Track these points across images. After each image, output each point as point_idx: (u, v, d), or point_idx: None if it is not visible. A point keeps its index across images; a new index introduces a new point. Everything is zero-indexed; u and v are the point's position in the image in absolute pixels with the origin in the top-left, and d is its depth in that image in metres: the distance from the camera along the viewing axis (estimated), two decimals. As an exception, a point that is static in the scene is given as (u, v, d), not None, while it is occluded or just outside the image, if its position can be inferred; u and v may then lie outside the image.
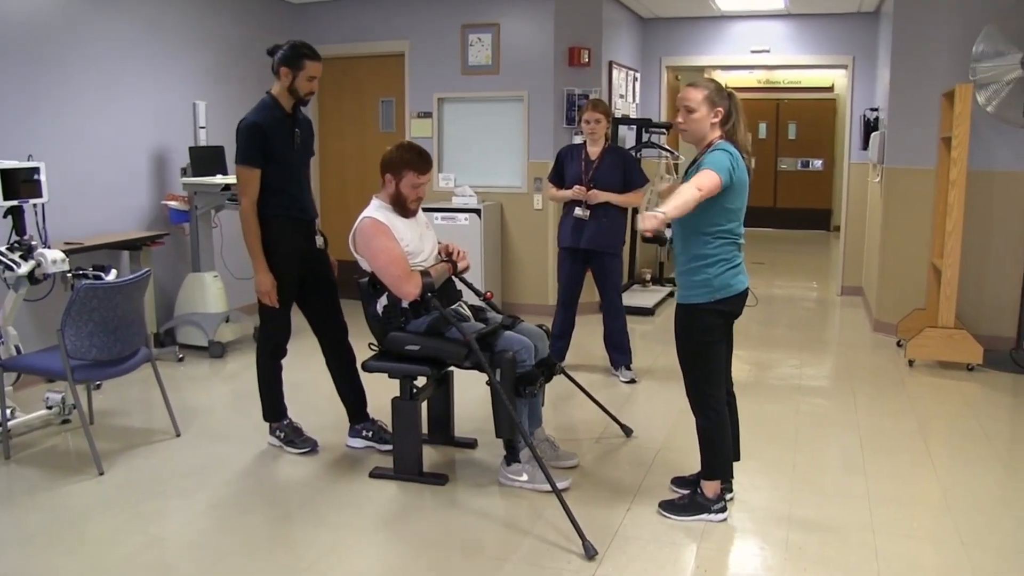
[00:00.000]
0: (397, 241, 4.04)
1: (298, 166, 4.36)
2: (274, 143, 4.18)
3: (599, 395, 4.91)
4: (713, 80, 3.65)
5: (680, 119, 3.59)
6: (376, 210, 4.14)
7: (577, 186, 5.61)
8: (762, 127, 14.77)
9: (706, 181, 3.32)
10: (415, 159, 4.12)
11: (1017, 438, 4.93)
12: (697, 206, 3.35)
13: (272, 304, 4.27)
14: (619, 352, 5.87)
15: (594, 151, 5.67)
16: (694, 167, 3.53)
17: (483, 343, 3.93)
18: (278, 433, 4.51)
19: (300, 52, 4.18)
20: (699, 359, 3.63)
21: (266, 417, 4.54)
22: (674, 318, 3.66)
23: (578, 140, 6.27)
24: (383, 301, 4.12)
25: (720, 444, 3.68)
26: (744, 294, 3.60)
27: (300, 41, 4.26)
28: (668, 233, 3.63)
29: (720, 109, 3.50)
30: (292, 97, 4.23)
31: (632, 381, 5.76)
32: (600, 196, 5.58)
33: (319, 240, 4.47)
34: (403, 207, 4.15)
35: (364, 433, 4.54)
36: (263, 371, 4.51)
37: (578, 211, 5.64)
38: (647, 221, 3.24)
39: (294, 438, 4.48)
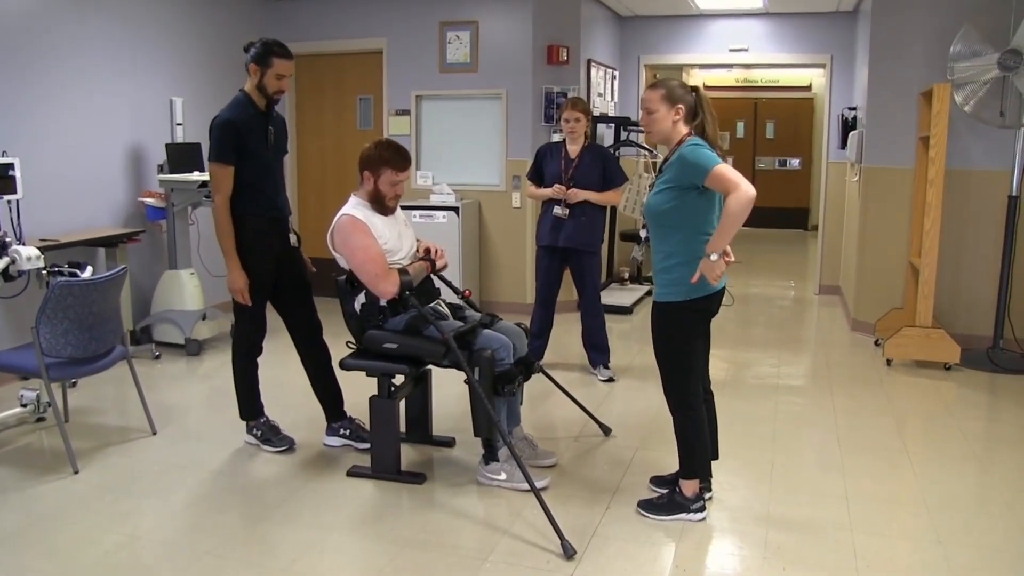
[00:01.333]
0: (375, 239, 4.02)
1: (272, 164, 4.33)
2: (248, 141, 4.15)
3: (577, 394, 4.90)
4: (673, 79, 3.63)
5: (642, 121, 3.60)
6: (354, 207, 4.12)
7: (557, 185, 5.60)
8: (740, 126, 14.83)
9: (734, 177, 3.26)
10: (393, 156, 4.10)
11: (993, 437, 4.96)
12: (672, 204, 3.37)
13: (245, 302, 4.24)
14: (597, 351, 5.86)
15: (573, 149, 5.65)
16: (667, 164, 3.52)
17: (461, 341, 3.92)
18: (255, 431, 4.48)
19: (270, 49, 4.15)
20: (675, 358, 3.63)
21: (243, 416, 4.52)
22: (650, 316, 3.66)
23: (556, 138, 6.26)
24: (361, 299, 4.10)
25: (697, 443, 3.67)
26: (720, 292, 3.59)
27: (273, 39, 4.23)
28: (644, 233, 3.64)
29: (680, 106, 3.48)
30: (261, 95, 4.20)
31: (610, 380, 5.75)
32: (580, 195, 5.57)
33: (292, 238, 4.45)
34: (381, 204, 4.13)
35: (342, 431, 4.52)
36: (239, 370, 4.48)
37: (557, 210, 5.62)
38: (708, 269, 3.34)
39: (271, 436, 4.45)
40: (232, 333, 4.19)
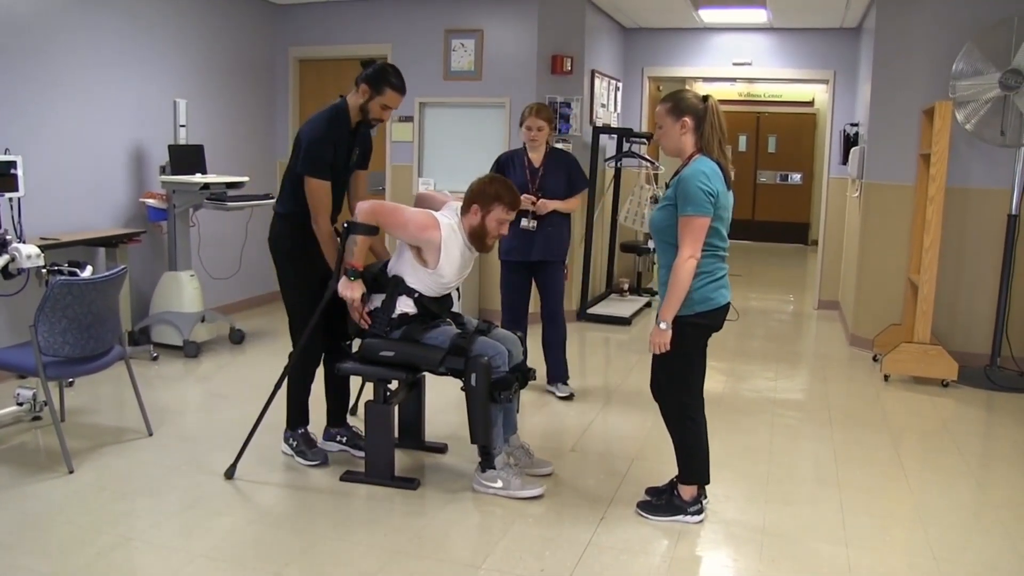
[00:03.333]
0: (415, 237, 3.93)
1: (344, 179, 4.27)
2: (335, 158, 4.09)
3: (537, 413, 4.90)
4: (686, 91, 3.62)
5: (656, 136, 3.62)
6: (448, 216, 4.05)
7: (525, 195, 5.20)
8: (742, 140, 14.85)
9: (694, 241, 3.37)
10: (507, 193, 4.02)
11: (990, 454, 4.96)
12: (675, 221, 3.41)
13: (356, 311, 4.05)
14: (558, 367, 5.59)
15: (536, 157, 5.43)
16: (674, 180, 3.52)
17: (458, 348, 3.91)
18: (291, 442, 4.41)
19: (387, 79, 4.09)
20: (679, 371, 3.63)
21: (288, 423, 4.42)
22: (653, 327, 3.66)
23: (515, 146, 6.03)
24: (374, 303, 4.07)
25: (698, 450, 3.69)
26: (725, 308, 3.59)
27: (393, 67, 4.16)
28: (650, 244, 3.66)
29: (687, 119, 3.48)
30: (361, 114, 4.14)
31: (569, 397, 5.54)
32: (550, 205, 5.34)
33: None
34: (481, 241, 4.04)
35: (339, 438, 4.50)
36: (297, 375, 4.31)
37: (525, 222, 5.31)
38: (658, 338, 3.45)
39: (305, 449, 4.38)
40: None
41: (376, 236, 4.04)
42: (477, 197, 4.01)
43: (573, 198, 5.50)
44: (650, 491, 3.96)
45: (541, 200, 5.34)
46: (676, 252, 3.45)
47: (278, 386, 4.20)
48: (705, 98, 3.52)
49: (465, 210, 4.05)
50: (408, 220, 3.94)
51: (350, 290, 3.95)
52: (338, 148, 4.11)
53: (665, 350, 3.50)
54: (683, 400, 3.65)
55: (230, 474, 4.14)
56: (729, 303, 3.61)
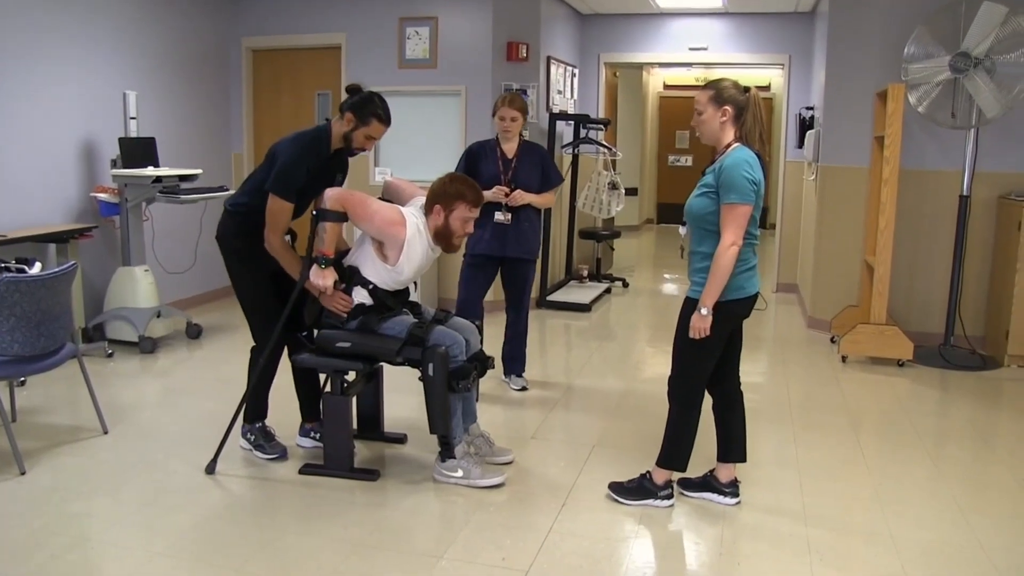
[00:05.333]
0: (398, 248, 3.87)
1: (307, 202, 4.18)
2: (308, 179, 4.00)
3: (497, 402, 4.91)
4: (727, 80, 3.58)
5: (693, 122, 3.60)
6: (412, 215, 3.98)
7: (497, 187, 5.16)
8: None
9: (737, 228, 3.37)
10: (468, 191, 3.98)
11: (944, 432, 5.03)
12: (713, 209, 3.43)
13: (344, 310, 3.97)
14: (515, 360, 5.52)
15: (509, 148, 5.27)
16: (711, 168, 3.51)
17: (415, 338, 3.89)
18: (249, 436, 4.36)
19: (374, 111, 4.03)
20: (694, 355, 3.61)
21: (246, 417, 4.36)
22: (681, 308, 3.62)
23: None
24: (362, 296, 3.99)
25: (684, 436, 3.71)
26: (754, 297, 3.59)
27: (380, 96, 4.09)
28: (683, 231, 3.64)
29: (728, 108, 3.48)
30: (343, 142, 4.07)
31: (523, 389, 5.49)
32: (524, 198, 5.19)
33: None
34: (447, 241, 4.01)
35: (312, 434, 4.45)
36: (260, 369, 4.23)
37: (499, 215, 5.18)
38: (700, 323, 3.44)
39: (263, 443, 4.34)
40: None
41: (344, 223, 3.96)
42: (439, 198, 3.96)
43: (548, 193, 5.37)
44: (682, 482, 3.92)
45: (516, 191, 5.20)
46: (715, 238, 3.44)
47: (250, 381, 4.19)
48: (746, 89, 3.53)
49: (428, 211, 4.00)
50: (375, 213, 3.88)
51: (322, 278, 3.88)
52: (311, 173, 4.01)
53: (707, 335, 3.48)
54: (689, 383, 3.66)
55: (210, 470, 4.08)
56: (758, 292, 3.62)
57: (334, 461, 4.07)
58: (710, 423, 3.87)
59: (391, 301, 4.03)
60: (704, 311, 3.44)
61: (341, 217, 3.87)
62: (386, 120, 4.09)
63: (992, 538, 3.54)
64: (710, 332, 3.48)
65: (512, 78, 7.66)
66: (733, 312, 3.55)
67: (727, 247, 3.37)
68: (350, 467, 4.06)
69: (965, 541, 3.52)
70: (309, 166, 3.98)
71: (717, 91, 3.51)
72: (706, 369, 3.65)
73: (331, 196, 3.88)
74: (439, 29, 7.70)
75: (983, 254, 6.52)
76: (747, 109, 3.49)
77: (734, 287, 3.48)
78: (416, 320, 4.04)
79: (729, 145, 3.50)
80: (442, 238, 4.00)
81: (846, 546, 3.48)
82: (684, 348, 3.62)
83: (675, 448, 3.72)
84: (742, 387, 3.87)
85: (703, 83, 3.55)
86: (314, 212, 3.91)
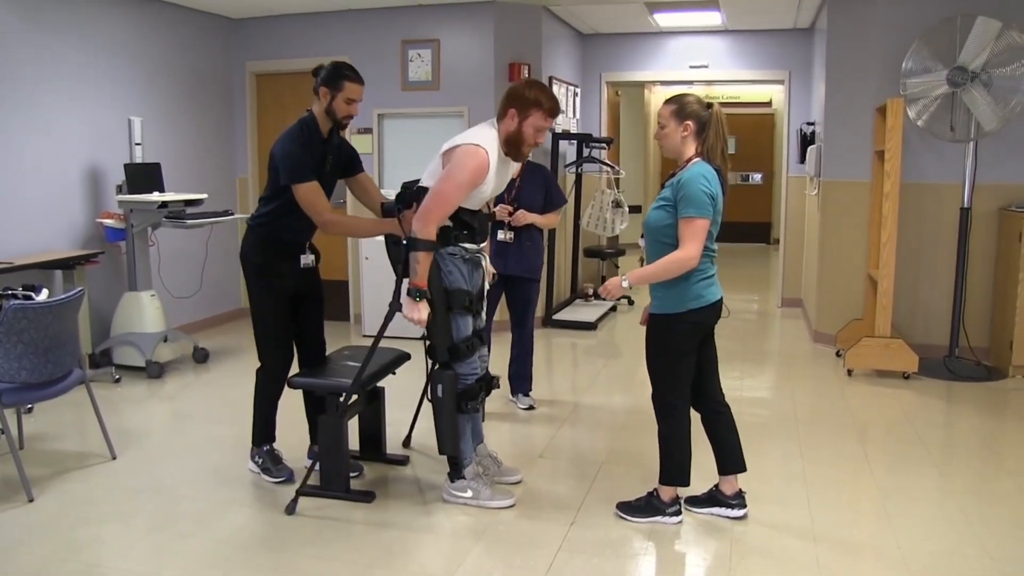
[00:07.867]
0: (474, 187, 3.72)
1: (326, 188, 4.19)
2: (316, 168, 4.05)
3: (504, 422, 4.93)
4: (691, 95, 3.62)
5: (655, 135, 3.66)
6: (491, 141, 3.77)
7: (501, 206, 5.20)
8: (702, 142, 14.91)
9: (695, 241, 3.43)
10: (547, 99, 3.76)
11: (951, 444, 5.02)
12: (670, 221, 3.48)
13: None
14: (521, 379, 5.51)
15: (513, 168, 5.41)
16: (670, 182, 3.55)
17: (457, 351, 3.87)
18: (257, 459, 4.38)
19: (341, 73, 4.04)
20: (667, 368, 3.66)
21: (254, 440, 4.39)
22: (646, 327, 3.69)
23: None
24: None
25: (677, 450, 3.72)
26: (717, 305, 3.63)
27: (343, 63, 4.12)
28: (643, 242, 3.68)
29: (689, 123, 3.52)
30: (329, 119, 4.10)
31: (531, 408, 5.48)
32: (527, 218, 5.22)
33: (310, 258, 4.31)
34: (517, 149, 3.80)
35: None
36: (264, 392, 4.31)
37: (501, 234, 5.22)
38: (611, 285, 3.54)
39: (271, 466, 4.35)
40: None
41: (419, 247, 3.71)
42: (515, 102, 3.76)
43: (552, 214, 5.37)
44: (689, 500, 3.92)
45: (520, 211, 5.23)
46: (668, 251, 3.49)
47: (256, 402, 4.25)
48: (709, 105, 3.56)
49: (501, 116, 3.81)
50: (462, 184, 3.70)
51: (417, 311, 3.69)
52: (313, 156, 4.06)
53: (614, 297, 3.61)
54: (669, 398, 3.68)
55: (291, 510, 3.95)
56: (721, 300, 3.65)
57: (330, 483, 4.06)
58: (707, 438, 3.88)
59: (473, 220, 3.89)
60: (626, 284, 3.54)
61: (433, 246, 3.71)
62: (357, 79, 4.10)
63: (1001, 548, 3.53)
64: (672, 343, 3.60)
65: (514, 98, 7.67)
66: (697, 321, 3.59)
67: (686, 257, 3.43)
68: (346, 488, 4.05)
69: (974, 552, 3.51)
70: (307, 147, 4.02)
71: (680, 106, 3.55)
72: (682, 381, 3.67)
73: (419, 220, 3.68)
74: (441, 51, 7.75)
75: (985, 266, 6.53)
76: (709, 125, 3.53)
77: (692, 296, 3.53)
78: (474, 330, 3.96)
79: (690, 159, 3.55)
80: (512, 145, 3.80)
81: (854, 561, 3.47)
82: (657, 363, 3.69)
83: (672, 464, 3.74)
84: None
85: (704, 99, 3.58)
86: (404, 241, 3.74)
